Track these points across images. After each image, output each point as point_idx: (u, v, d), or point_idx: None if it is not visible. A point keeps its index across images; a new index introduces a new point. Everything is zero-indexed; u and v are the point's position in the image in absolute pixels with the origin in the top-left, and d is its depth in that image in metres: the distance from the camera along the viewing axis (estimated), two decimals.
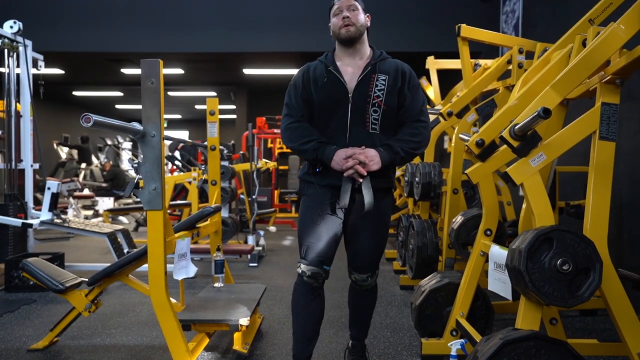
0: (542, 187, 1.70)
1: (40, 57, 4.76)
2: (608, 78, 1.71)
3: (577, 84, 1.74)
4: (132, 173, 11.74)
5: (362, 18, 1.92)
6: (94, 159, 11.32)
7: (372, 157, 1.82)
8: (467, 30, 2.88)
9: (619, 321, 1.59)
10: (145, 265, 2.56)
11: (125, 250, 4.18)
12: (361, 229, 1.96)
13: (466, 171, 2.06)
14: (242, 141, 7.37)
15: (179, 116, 15.45)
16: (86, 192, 8.32)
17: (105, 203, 8.32)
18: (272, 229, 6.75)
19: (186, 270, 2.31)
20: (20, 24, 4.15)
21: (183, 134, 17.25)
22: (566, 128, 1.74)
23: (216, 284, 2.82)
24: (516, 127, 1.67)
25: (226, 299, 2.55)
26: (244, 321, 2.21)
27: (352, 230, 1.98)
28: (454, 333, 2.24)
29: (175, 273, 2.21)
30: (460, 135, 2.26)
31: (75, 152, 10.94)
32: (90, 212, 8.08)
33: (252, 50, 6.61)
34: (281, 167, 10.05)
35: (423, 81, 4.43)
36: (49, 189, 4.14)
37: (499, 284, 1.91)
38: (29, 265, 2.50)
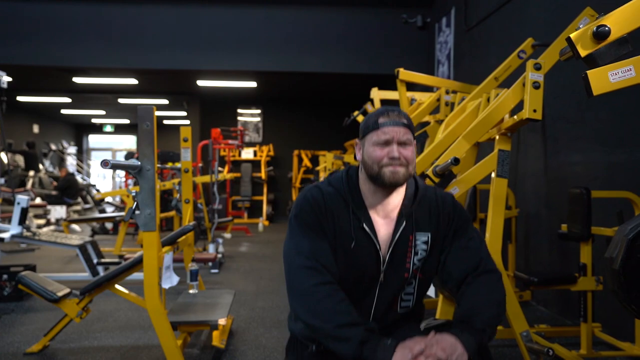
0: None
1: (4, 73, 4.92)
2: (502, 131, 2.32)
3: (481, 135, 2.34)
4: (79, 179, 11.65)
5: (414, 155, 1.36)
6: (40, 165, 11.14)
7: (452, 351, 1.19)
8: (405, 74, 3.46)
9: (507, 310, 2.20)
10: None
11: (94, 261, 4.46)
12: None
13: None
14: (198, 151, 7.69)
15: (127, 121, 15.34)
16: (38, 201, 8.30)
17: (57, 211, 8.33)
18: (228, 235, 7.19)
19: (170, 279, 2.72)
20: None
21: (130, 139, 17.12)
22: (473, 168, 2.33)
23: (191, 291, 3.23)
24: (437, 168, 2.25)
25: (203, 303, 2.97)
26: (222, 321, 2.65)
27: None
28: None
29: (163, 282, 2.62)
30: None
31: (20, 159, 10.73)
32: (42, 221, 8.08)
33: (207, 68, 7.00)
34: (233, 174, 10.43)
35: (369, 106, 5.01)
36: (18, 203, 4.35)
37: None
38: (25, 278, 2.81)
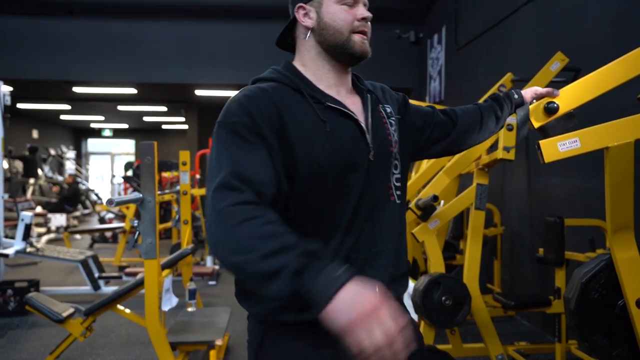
0: (436, 244, 2.45)
1: (7, 91, 5.08)
2: (480, 167, 2.49)
3: (460, 170, 2.51)
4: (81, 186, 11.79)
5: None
6: (39, 171, 11.27)
7: None
8: None
9: (483, 334, 2.36)
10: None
11: (95, 275, 4.62)
12: None
13: None
14: (196, 160, 7.84)
15: (125, 126, 15.47)
16: (38, 209, 8.44)
17: (58, 220, 8.48)
18: None
19: (170, 301, 2.88)
20: None
21: (129, 143, 17.25)
22: (453, 201, 2.50)
23: (189, 309, 3.38)
24: (419, 202, 2.41)
25: (201, 323, 3.13)
26: (219, 342, 2.82)
27: None
28: None
29: (162, 305, 2.78)
30: None
31: (19, 165, 10.86)
32: (43, 230, 8.22)
33: (204, 82, 7.16)
34: None
35: None
36: (22, 220, 4.50)
37: (410, 309, 2.65)
38: (32, 300, 2.97)
